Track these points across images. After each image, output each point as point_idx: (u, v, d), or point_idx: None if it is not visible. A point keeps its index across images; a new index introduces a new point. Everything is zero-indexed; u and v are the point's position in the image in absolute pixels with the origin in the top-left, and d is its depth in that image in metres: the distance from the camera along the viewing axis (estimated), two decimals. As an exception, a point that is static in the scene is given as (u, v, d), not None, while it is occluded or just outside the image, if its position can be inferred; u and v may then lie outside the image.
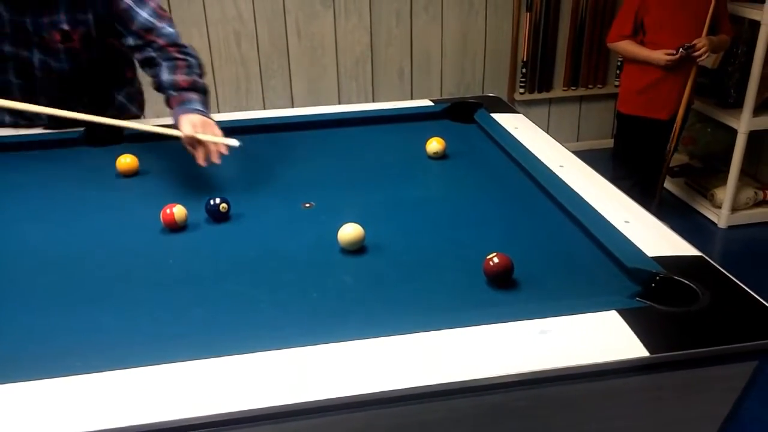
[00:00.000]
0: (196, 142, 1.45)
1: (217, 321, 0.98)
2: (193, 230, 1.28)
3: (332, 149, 1.73)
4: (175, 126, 1.52)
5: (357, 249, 1.17)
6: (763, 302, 0.94)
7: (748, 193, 3.01)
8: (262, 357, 0.84)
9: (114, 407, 0.77)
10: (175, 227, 1.26)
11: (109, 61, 1.88)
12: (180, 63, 1.66)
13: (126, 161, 1.55)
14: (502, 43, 3.58)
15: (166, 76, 1.63)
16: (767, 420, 1.83)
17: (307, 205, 1.38)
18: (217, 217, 1.30)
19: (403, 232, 1.26)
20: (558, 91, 3.74)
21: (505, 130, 1.74)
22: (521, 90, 3.68)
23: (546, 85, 3.71)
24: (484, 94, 2.12)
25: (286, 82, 3.43)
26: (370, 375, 0.81)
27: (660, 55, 2.57)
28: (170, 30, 1.70)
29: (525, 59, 3.61)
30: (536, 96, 3.70)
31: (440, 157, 1.62)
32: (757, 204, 3.05)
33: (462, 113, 1.93)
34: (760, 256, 2.87)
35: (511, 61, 3.63)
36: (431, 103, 2.01)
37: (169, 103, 1.62)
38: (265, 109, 3.42)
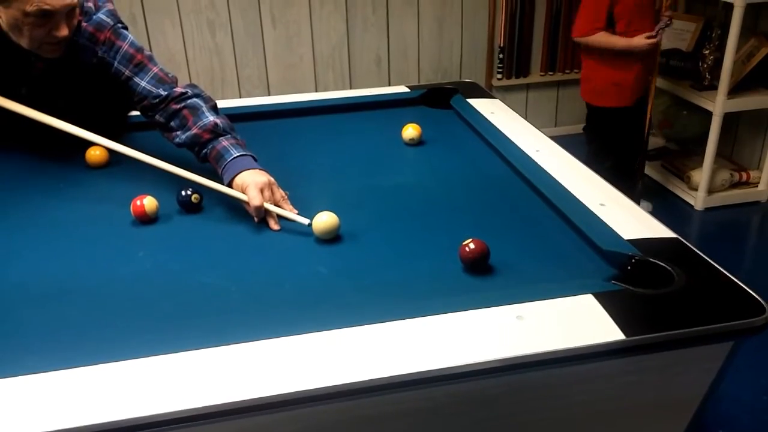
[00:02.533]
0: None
1: (187, 313, 0.96)
2: (164, 222, 1.25)
3: (308, 137, 1.70)
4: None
5: (332, 238, 1.15)
6: (739, 283, 0.94)
7: (724, 175, 3.03)
8: (232, 350, 0.82)
9: (79, 403, 0.74)
10: (146, 219, 1.23)
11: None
12: (185, 112, 1.45)
13: (95, 153, 1.51)
14: (479, 29, 3.56)
15: (182, 136, 1.43)
16: (744, 400, 1.85)
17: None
18: (189, 208, 1.27)
19: (377, 219, 1.25)
20: (535, 77, 3.73)
21: (481, 115, 1.73)
22: (498, 76, 3.66)
23: (523, 70, 3.70)
24: (461, 80, 2.11)
25: (261, 71, 3.38)
26: (345, 365, 0.80)
27: (641, 41, 2.56)
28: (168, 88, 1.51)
29: (502, 45, 3.59)
30: (514, 81, 3.69)
31: (416, 143, 1.61)
32: (733, 186, 3.07)
33: (438, 99, 1.92)
34: (736, 237, 2.90)
35: (488, 46, 3.61)
36: (407, 90, 1.99)
37: (206, 159, 1.40)
38: (240, 97, 3.37)
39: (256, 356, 0.82)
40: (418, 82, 3.57)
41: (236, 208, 1.29)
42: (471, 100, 1.84)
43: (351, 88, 3.51)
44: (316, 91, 3.48)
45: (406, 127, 1.61)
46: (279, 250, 1.14)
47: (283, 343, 0.84)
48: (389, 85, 3.54)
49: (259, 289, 1.02)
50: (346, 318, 0.87)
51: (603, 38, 2.61)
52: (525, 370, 0.82)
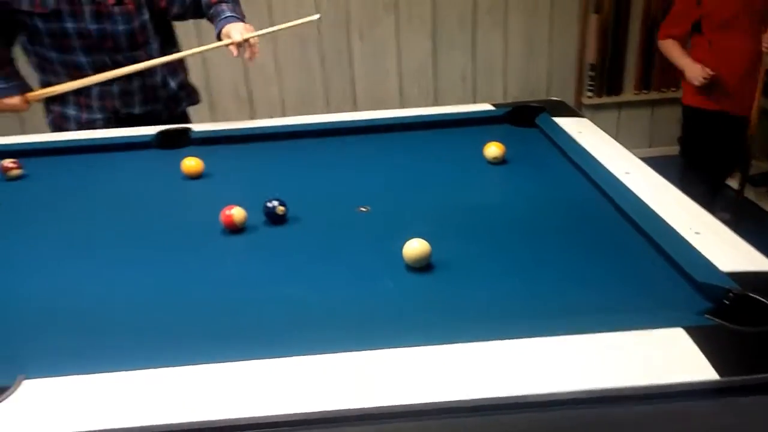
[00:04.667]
0: (242, 45, 1.83)
1: (270, 323, 0.99)
2: (251, 232, 1.29)
3: (392, 153, 1.72)
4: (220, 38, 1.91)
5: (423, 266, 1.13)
6: None
7: (837, 204, 2.80)
8: (314, 360, 0.84)
9: (159, 405, 0.78)
10: (234, 228, 1.28)
11: (161, 36, 2.08)
12: None
13: (191, 164, 1.59)
14: (569, 46, 3.49)
15: (203, 2, 1.97)
16: None
17: (363, 209, 1.37)
18: (274, 219, 1.31)
19: (458, 238, 1.24)
20: (629, 95, 3.61)
21: (568, 134, 1.68)
22: (589, 94, 3.57)
23: (615, 88, 3.59)
24: (548, 98, 2.06)
25: (348, 86, 3.46)
26: (426, 384, 0.79)
27: (696, 73, 2.41)
28: None
29: (593, 62, 3.50)
30: (605, 100, 3.58)
31: (499, 162, 1.59)
32: None
33: (524, 117, 1.89)
34: None
35: (578, 64, 3.53)
36: (492, 107, 1.97)
37: (213, 22, 1.96)
38: (328, 112, 3.46)
39: (336, 369, 0.83)
40: (504, 99, 3.53)
41: (320, 220, 1.32)
42: (558, 119, 1.80)
43: (436, 105, 3.53)
44: (401, 106, 3.52)
45: (488, 145, 1.60)
46: (359, 265, 1.15)
47: (364, 357, 0.84)
48: (474, 102, 3.53)
49: (340, 301, 1.03)
50: (428, 337, 0.87)
51: (667, 48, 2.49)
52: (608, 404, 0.79)
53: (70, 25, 1.90)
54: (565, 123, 1.77)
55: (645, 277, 1.06)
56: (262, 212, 1.31)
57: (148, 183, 1.61)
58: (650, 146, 3.69)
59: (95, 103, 2.06)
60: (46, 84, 2.05)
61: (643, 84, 3.58)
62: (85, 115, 2.06)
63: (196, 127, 1.90)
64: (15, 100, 2.04)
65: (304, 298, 1.05)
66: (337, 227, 1.31)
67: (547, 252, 1.15)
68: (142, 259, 1.21)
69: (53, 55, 1.97)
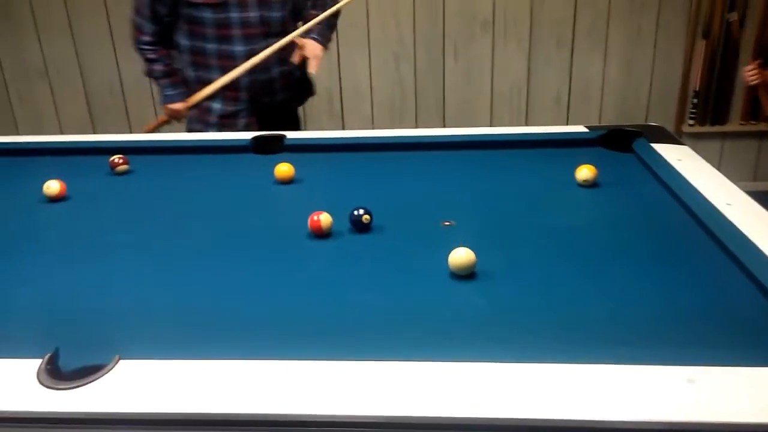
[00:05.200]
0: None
1: (353, 326, 1.01)
2: (336, 238, 1.33)
3: (480, 170, 1.72)
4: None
5: (468, 274, 1.14)
6: None
7: None
8: (393, 366, 0.85)
9: (243, 394, 0.82)
10: (321, 234, 1.32)
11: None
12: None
13: (283, 169, 1.66)
14: (672, 71, 3.35)
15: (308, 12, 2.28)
16: None
17: (447, 223, 1.38)
18: (359, 227, 1.34)
19: (541, 259, 1.21)
20: (734, 125, 3.41)
21: (666, 161, 1.62)
22: (690, 122, 3.41)
23: (720, 117, 3.41)
24: (647, 123, 1.99)
25: (439, 103, 3.49)
26: (499, 399, 0.79)
27: None
28: None
29: (697, 88, 3.34)
30: (708, 129, 3.41)
31: (590, 185, 1.55)
32: None
33: (619, 142, 1.83)
34: None
35: (681, 90, 3.38)
36: (586, 130, 1.93)
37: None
38: (417, 128, 3.50)
39: (410, 377, 0.84)
40: (599, 123, 3.43)
41: (404, 231, 1.34)
42: (656, 145, 1.73)
43: (527, 125, 3.48)
44: (491, 126, 3.50)
45: (580, 167, 1.56)
46: (441, 278, 1.15)
47: (439, 368, 0.85)
48: (567, 124, 3.46)
49: (418, 312, 1.04)
50: (502, 354, 0.86)
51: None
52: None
53: (234, 14, 2.11)
54: (664, 149, 1.70)
55: (740, 313, 1.00)
56: (348, 219, 1.35)
57: (242, 185, 1.69)
58: (755, 180, 3.47)
59: (242, 95, 2.24)
60: (197, 80, 2.23)
61: (751, 114, 3.38)
62: (229, 108, 2.25)
63: (290, 134, 1.97)
64: (179, 106, 2.25)
65: (385, 305, 1.07)
66: (420, 239, 1.32)
67: (639, 279, 1.11)
68: (233, 257, 1.27)
69: (212, 47, 2.16)
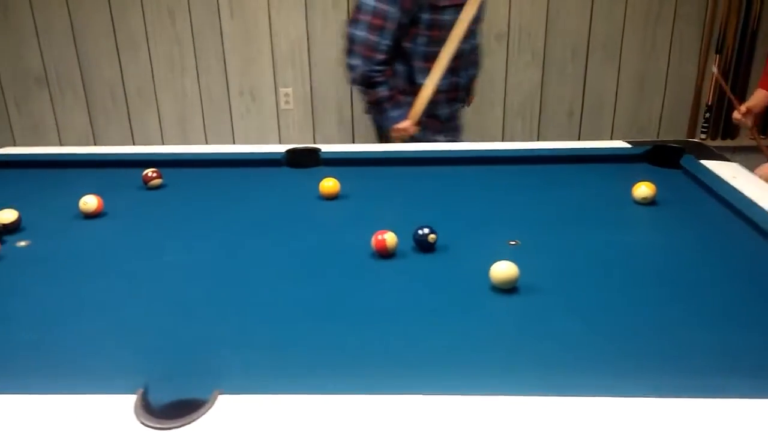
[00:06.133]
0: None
1: (440, 357, 0.95)
2: (401, 258, 1.27)
3: (531, 186, 1.67)
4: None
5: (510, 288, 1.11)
6: None
7: None
8: (482, 401, 0.79)
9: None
10: (385, 254, 1.26)
11: None
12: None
13: (328, 184, 1.59)
14: (685, 86, 3.36)
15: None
16: None
17: (512, 242, 1.33)
18: (424, 246, 1.29)
19: (620, 283, 1.16)
20: (745, 139, 3.43)
21: (721, 178, 1.59)
22: (702, 136, 3.41)
23: (731, 131, 3.42)
24: (687, 139, 1.97)
25: (452, 115, 3.45)
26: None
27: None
28: None
29: (709, 103, 3.35)
30: (719, 143, 3.42)
31: (649, 202, 1.51)
32: None
33: (663, 158, 1.81)
34: None
35: (693, 104, 3.39)
36: (628, 145, 1.90)
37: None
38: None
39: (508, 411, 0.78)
40: (611, 137, 3.43)
41: (468, 251, 1.29)
42: (705, 162, 1.71)
43: (539, 140, 3.46)
44: (503, 140, 3.47)
45: (638, 185, 1.52)
46: (516, 302, 1.10)
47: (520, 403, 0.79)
48: (579, 139, 3.44)
49: (508, 338, 0.99)
50: (599, 387, 0.81)
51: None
52: None
53: (447, 17, 2.13)
54: (714, 166, 1.68)
55: None
56: (412, 238, 1.29)
57: (284, 201, 1.62)
58: (765, 194, 3.49)
59: (461, 94, 2.29)
60: (411, 86, 2.21)
61: (762, 129, 3.40)
62: (451, 110, 2.31)
63: (326, 147, 1.91)
64: (406, 125, 2.20)
65: (470, 330, 1.01)
66: (489, 260, 1.27)
67: (712, 304, 1.07)
68: (301, 279, 1.20)
69: (430, 50, 2.15)
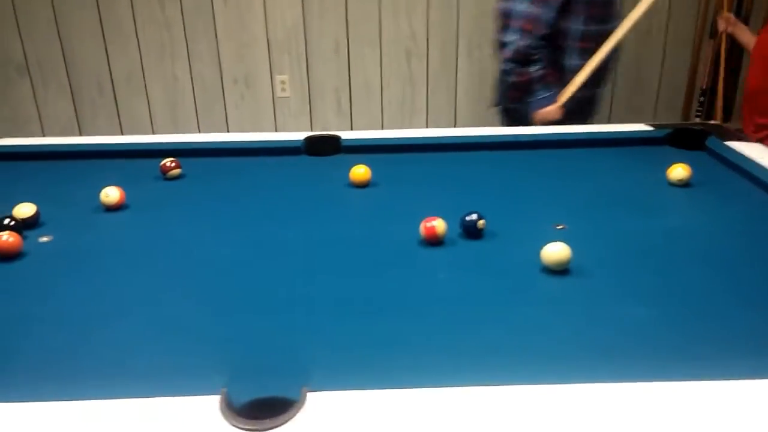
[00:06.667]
0: None
1: (494, 344, 0.92)
2: (450, 245, 1.23)
3: (562, 170, 1.65)
4: None
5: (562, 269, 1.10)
6: None
7: None
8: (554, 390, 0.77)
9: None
10: (435, 241, 1.22)
11: None
12: None
13: (360, 171, 1.54)
14: (680, 70, 3.38)
15: None
16: None
17: (560, 227, 1.30)
18: (472, 233, 1.25)
19: (674, 266, 1.15)
20: (739, 122, 3.46)
21: (751, 158, 1.59)
22: (697, 119, 3.44)
23: (726, 115, 3.45)
24: (705, 121, 1.97)
25: (451, 101, 3.42)
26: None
27: None
28: None
29: (704, 87, 3.38)
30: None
31: (684, 184, 1.50)
32: None
33: (686, 140, 1.80)
34: None
35: (688, 88, 3.41)
36: (650, 128, 1.89)
37: None
38: (428, 126, 3.42)
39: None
40: (608, 121, 3.43)
41: (515, 236, 1.26)
42: (730, 143, 1.71)
43: (537, 124, 3.46)
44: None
45: (674, 166, 1.51)
46: (568, 287, 1.08)
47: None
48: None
49: (572, 327, 0.96)
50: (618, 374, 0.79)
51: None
52: None
53: None
54: (741, 147, 1.68)
55: None
56: (459, 225, 1.26)
57: (311, 189, 1.57)
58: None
59: (608, 75, 2.26)
60: (575, 70, 2.13)
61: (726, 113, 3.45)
62: (596, 91, 2.27)
63: (345, 134, 1.86)
64: (552, 108, 2.12)
65: (530, 317, 0.98)
66: (535, 243, 1.24)
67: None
68: (356, 270, 1.15)
69: (600, 28, 2.10)
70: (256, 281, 1.11)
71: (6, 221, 1.23)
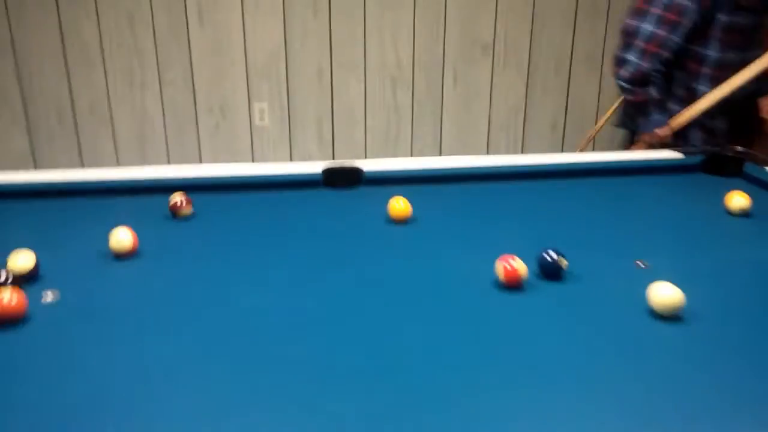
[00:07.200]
0: None
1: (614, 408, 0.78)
2: (531, 290, 1.09)
3: (606, 200, 1.55)
4: None
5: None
6: None
7: None
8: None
9: None
10: (516, 285, 1.08)
11: None
12: None
13: (399, 206, 1.39)
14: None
15: None
16: None
17: (641, 264, 1.18)
18: (551, 272, 1.12)
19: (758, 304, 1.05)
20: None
21: (800, 187, 1.53)
22: (678, 146, 3.48)
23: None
24: (736, 147, 1.91)
25: (437, 130, 3.32)
26: None
27: None
28: None
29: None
30: (693, 153, 3.49)
31: (744, 214, 1.42)
32: None
33: (718, 167, 1.74)
34: None
35: (668, 116, 3.44)
36: (680, 155, 1.82)
37: None
38: (412, 155, 3.31)
39: None
40: (593, 149, 3.40)
41: (596, 276, 1.13)
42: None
43: (523, 153, 3.40)
44: (488, 152, 3.38)
45: (731, 195, 1.43)
46: (690, 332, 0.95)
47: None
48: (562, 150, 3.41)
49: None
50: None
51: None
52: None
53: (747, 20, 1.95)
54: (779, 174, 1.62)
55: None
56: (537, 264, 1.12)
57: (344, 226, 1.40)
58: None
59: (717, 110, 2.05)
60: (687, 92, 2.04)
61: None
62: (709, 121, 2.07)
63: (365, 165, 1.70)
64: (665, 131, 2.05)
65: (651, 372, 0.85)
66: (621, 284, 1.11)
67: None
68: (416, 319, 1.00)
69: (723, 56, 1.98)
70: (328, 340, 0.93)
71: (1, 277, 1.01)
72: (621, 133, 3.10)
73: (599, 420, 0.76)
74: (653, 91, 2.03)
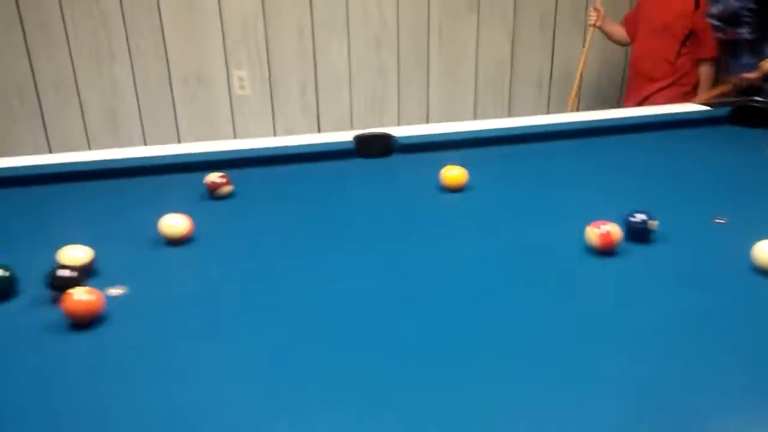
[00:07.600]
0: None
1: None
2: (624, 255, 1.05)
3: (653, 155, 1.53)
4: None
5: None
6: None
7: None
8: None
9: None
10: (609, 250, 1.03)
11: None
12: None
13: (454, 173, 1.32)
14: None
15: None
16: None
17: (720, 220, 1.16)
18: (640, 236, 1.08)
19: None
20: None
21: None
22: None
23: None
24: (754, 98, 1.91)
25: (423, 90, 3.22)
26: None
27: None
28: None
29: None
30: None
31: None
32: None
33: (745, 118, 1.75)
34: None
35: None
36: (707, 108, 1.82)
37: None
38: (399, 118, 3.22)
39: None
40: (577, 108, 3.39)
41: (683, 237, 1.10)
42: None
43: (510, 115, 3.35)
44: (474, 115, 3.32)
45: (779, 145, 1.43)
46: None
47: None
48: (548, 110, 3.38)
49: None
50: None
51: None
52: None
53: None
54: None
55: None
56: (625, 227, 1.08)
57: (396, 197, 1.33)
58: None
59: None
60: None
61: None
62: None
63: (399, 131, 1.62)
64: (755, 75, 2.02)
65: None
66: (708, 242, 1.09)
67: None
68: (511, 291, 0.94)
69: None
70: (424, 324, 0.86)
71: (63, 272, 0.90)
72: (606, 90, 3.09)
73: (721, 384, 0.73)
74: (745, 32, 2.00)
